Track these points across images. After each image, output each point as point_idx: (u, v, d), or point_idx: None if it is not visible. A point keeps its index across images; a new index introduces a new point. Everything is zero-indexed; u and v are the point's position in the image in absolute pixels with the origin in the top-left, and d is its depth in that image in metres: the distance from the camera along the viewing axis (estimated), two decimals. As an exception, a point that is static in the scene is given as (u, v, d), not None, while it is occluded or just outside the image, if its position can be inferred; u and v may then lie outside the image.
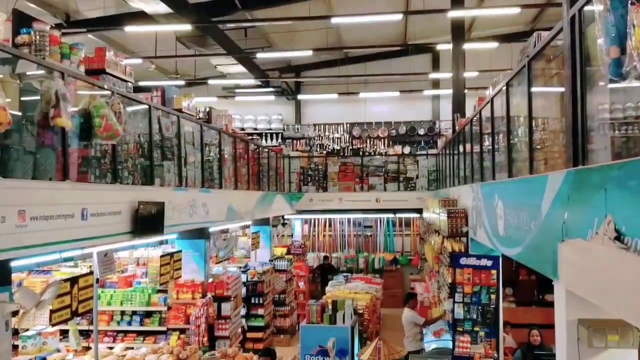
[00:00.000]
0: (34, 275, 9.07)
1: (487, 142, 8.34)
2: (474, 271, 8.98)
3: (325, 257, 19.11)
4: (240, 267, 13.57)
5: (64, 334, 9.12)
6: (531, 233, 5.19)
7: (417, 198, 17.50)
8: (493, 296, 8.85)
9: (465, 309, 8.95)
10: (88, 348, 8.70)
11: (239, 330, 11.75)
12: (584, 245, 3.75)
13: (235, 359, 8.21)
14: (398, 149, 20.50)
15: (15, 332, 8.03)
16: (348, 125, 21.63)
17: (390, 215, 19.49)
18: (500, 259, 8.97)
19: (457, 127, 12.83)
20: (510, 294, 11.69)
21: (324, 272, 17.88)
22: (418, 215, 18.63)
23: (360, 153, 20.26)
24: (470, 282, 8.97)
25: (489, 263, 8.90)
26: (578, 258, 3.85)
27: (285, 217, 18.95)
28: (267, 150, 16.22)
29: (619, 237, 3.16)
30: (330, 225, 20.49)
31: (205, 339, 9.79)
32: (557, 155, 5.28)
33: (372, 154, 20.49)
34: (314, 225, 20.58)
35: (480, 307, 8.90)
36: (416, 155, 18.98)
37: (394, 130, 21.24)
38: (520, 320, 10.50)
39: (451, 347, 9.26)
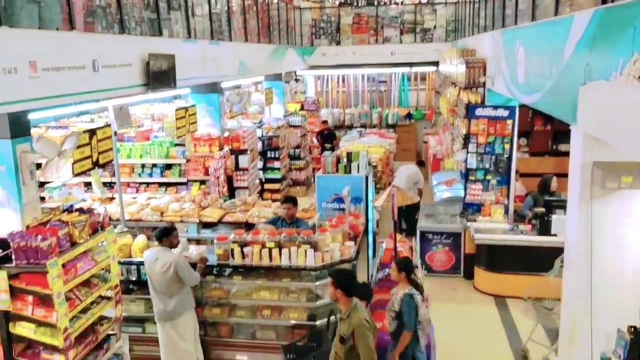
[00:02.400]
0: (52, 130, 9.22)
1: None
2: (489, 122, 8.98)
3: (324, 122, 16.82)
4: (255, 123, 13.67)
5: (88, 185, 9.49)
6: (552, 78, 5.08)
7: (434, 50, 17.00)
8: (507, 146, 8.94)
9: (479, 158, 9.10)
10: (112, 198, 9.09)
11: (257, 181, 12.15)
12: (606, 86, 3.67)
13: (254, 206, 8.54)
14: (415, -3, 19.50)
15: (41, 185, 8.35)
16: (362, -28, 20.40)
17: (406, 69, 19.08)
18: (517, 109, 8.91)
19: (479, -29, 12.05)
20: (524, 145, 11.77)
21: (323, 139, 15.64)
22: (434, 68, 18.23)
23: (375, 3, 19.29)
24: (484, 132, 9.02)
25: (505, 113, 8.86)
26: (599, 100, 3.79)
27: (298, 73, 18.63)
28: (277, 0, 15.52)
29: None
30: (343, 81, 20.20)
31: (225, 189, 10.16)
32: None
33: (388, 3, 19.51)
34: (327, 81, 20.30)
35: (493, 157, 9.03)
36: (434, 4, 18.06)
37: (411, -23, 20.05)
38: (532, 170, 10.66)
39: (462, 195, 9.55)
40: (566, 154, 4.88)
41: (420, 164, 12.00)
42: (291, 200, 7.19)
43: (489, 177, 9.15)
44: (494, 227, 8.65)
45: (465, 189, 9.38)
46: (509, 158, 8.99)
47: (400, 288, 5.35)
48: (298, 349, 5.82)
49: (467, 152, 9.23)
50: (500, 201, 9.06)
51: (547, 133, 11.74)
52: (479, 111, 9.04)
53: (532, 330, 6.65)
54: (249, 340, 6.48)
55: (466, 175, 9.38)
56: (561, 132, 11.25)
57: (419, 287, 5.49)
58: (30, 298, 4.45)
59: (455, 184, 11.11)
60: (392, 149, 15.58)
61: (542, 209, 8.23)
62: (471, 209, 9.19)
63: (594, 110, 3.87)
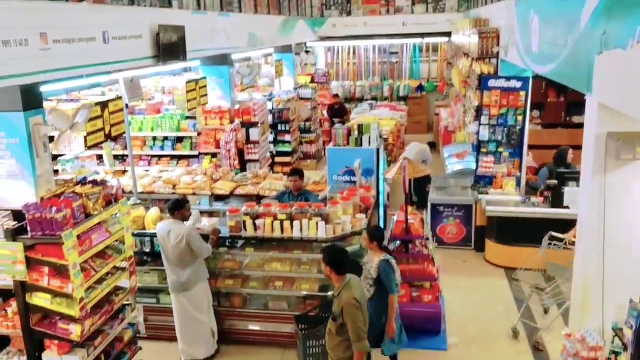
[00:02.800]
0: (63, 103, 9.23)
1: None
2: (501, 93, 8.87)
3: (335, 95, 16.75)
4: (265, 95, 13.61)
5: (100, 158, 9.55)
6: (567, 48, 4.98)
7: (447, 20, 16.74)
8: (520, 117, 8.85)
9: (491, 130, 9.02)
10: (124, 171, 9.15)
11: (268, 154, 12.15)
12: (623, 55, 3.60)
13: (265, 179, 8.56)
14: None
15: (54, 157, 8.41)
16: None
17: (417, 40, 18.81)
18: (530, 80, 8.79)
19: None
20: (536, 116, 11.64)
21: (333, 114, 15.43)
22: (446, 39, 17.96)
23: (387, -28, 18.97)
24: (497, 104, 8.92)
25: (518, 84, 8.75)
26: (615, 69, 3.72)
27: (308, 44, 18.45)
28: (287, -30, 15.30)
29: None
30: (354, 53, 19.98)
31: (236, 161, 10.18)
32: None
33: (399, -27, 19.17)
34: (338, 53, 20.09)
35: (505, 129, 8.95)
36: (446, -27, 17.72)
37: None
38: (545, 142, 10.57)
39: (474, 167, 9.50)
40: (579, 125, 4.84)
41: (432, 145, 11.90)
42: (297, 173, 7.20)
43: (500, 149, 9.08)
44: (506, 200, 8.62)
45: (477, 161, 9.33)
46: (522, 130, 8.90)
47: (374, 255, 5.45)
48: (310, 319, 5.90)
49: (479, 124, 9.15)
50: (512, 173, 9.00)
51: (560, 104, 11.60)
52: (491, 82, 8.92)
53: (521, 309, 6.63)
54: (262, 311, 6.57)
55: (478, 147, 9.31)
56: (575, 104, 11.11)
57: (391, 254, 5.62)
58: (45, 269, 4.51)
59: (467, 156, 11.04)
60: (403, 121, 15.48)
61: (554, 181, 8.17)
62: (482, 181, 9.15)
63: (610, 80, 3.81)
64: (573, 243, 6.39)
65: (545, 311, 6.94)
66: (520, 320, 6.64)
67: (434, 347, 6.45)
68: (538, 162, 10.38)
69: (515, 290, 6.71)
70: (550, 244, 6.50)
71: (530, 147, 9.89)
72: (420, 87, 19.12)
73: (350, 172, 7.65)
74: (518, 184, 8.95)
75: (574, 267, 4.77)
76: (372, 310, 5.17)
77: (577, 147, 5.10)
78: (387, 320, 5.36)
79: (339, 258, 4.61)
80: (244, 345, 6.56)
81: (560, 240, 6.48)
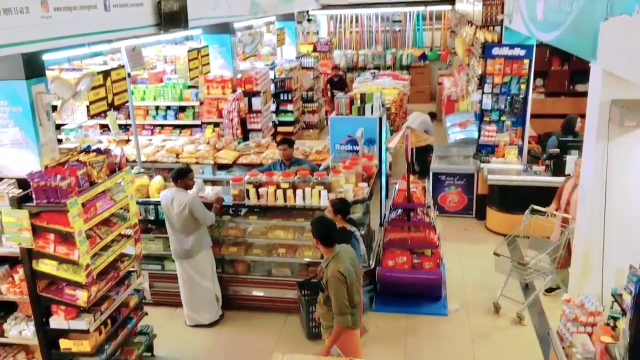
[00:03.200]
0: (66, 72, 9.17)
1: None
2: (505, 61, 8.78)
3: (335, 67, 16.46)
4: (267, 65, 13.49)
5: (104, 128, 9.54)
6: (572, 14, 4.91)
7: (450, -13, 16.47)
8: (523, 86, 8.77)
9: (494, 99, 8.95)
10: (128, 140, 9.14)
11: (270, 124, 12.11)
12: (628, 21, 3.54)
13: (268, 148, 8.55)
14: None
15: (58, 127, 8.39)
16: None
17: (421, 8, 18.56)
18: (534, 48, 8.68)
19: None
20: (540, 85, 11.54)
21: (333, 87, 15.04)
22: (450, 7, 17.71)
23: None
24: (501, 72, 8.84)
25: (522, 52, 8.65)
26: (621, 36, 3.67)
27: (310, 12, 18.21)
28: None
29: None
30: (357, 21, 19.72)
31: (239, 131, 10.16)
32: None
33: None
34: (340, 22, 19.83)
35: (509, 98, 8.88)
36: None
37: None
38: (548, 111, 10.51)
39: (477, 136, 9.46)
40: (583, 94, 4.79)
41: (432, 116, 11.79)
42: (286, 142, 7.21)
43: (503, 118, 9.03)
44: (508, 168, 8.62)
45: (480, 130, 9.28)
46: (525, 99, 8.83)
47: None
48: (313, 285, 5.96)
49: (483, 93, 9.08)
50: (515, 142, 8.97)
51: (564, 73, 11.48)
52: (495, 50, 8.82)
53: (503, 286, 6.54)
54: (265, 277, 6.64)
55: (481, 116, 9.25)
56: (579, 72, 10.99)
57: (356, 225, 5.65)
58: (51, 236, 4.54)
59: (470, 125, 10.99)
60: (406, 90, 15.36)
61: (557, 150, 8.15)
62: (485, 150, 9.13)
63: (615, 47, 3.76)
64: (555, 216, 6.45)
65: (527, 286, 6.93)
66: (502, 296, 6.55)
67: (435, 312, 6.53)
68: (540, 132, 10.34)
69: (499, 264, 6.56)
70: (532, 215, 6.51)
71: (533, 116, 9.82)
72: (423, 56, 18.93)
73: (353, 142, 7.64)
74: (520, 152, 8.92)
75: (575, 232, 4.80)
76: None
77: (582, 116, 5.06)
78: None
79: (326, 231, 4.51)
80: (248, 311, 6.65)
81: (542, 213, 6.49)
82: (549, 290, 6.77)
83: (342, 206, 5.59)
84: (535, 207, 6.52)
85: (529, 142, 9.25)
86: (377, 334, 6.14)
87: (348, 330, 4.47)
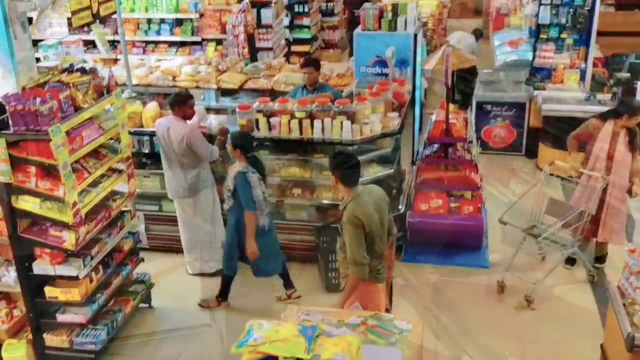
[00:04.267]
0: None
1: None
2: (569, -35, 8.52)
3: None
4: (279, -31, 13.18)
5: (88, 44, 9.51)
6: None
7: None
8: (589, -4, 8.54)
9: (553, 12, 8.78)
10: (116, 60, 9.12)
11: (283, 41, 11.96)
12: None
13: (281, 70, 8.49)
14: None
15: (34, 43, 8.38)
16: None
17: None
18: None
19: None
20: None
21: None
22: None
23: None
24: (563, -21, 8.58)
25: (591, -46, 8.35)
26: None
27: None
28: None
29: None
30: None
31: (246, 50, 10.06)
32: None
33: None
34: None
35: (571, 10, 8.67)
36: None
37: None
38: (618, 28, 10.25)
39: (530, 58, 9.30)
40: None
41: (478, 34, 11.43)
42: (312, 63, 7.11)
43: (564, 35, 8.85)
44: (566, 96, 8.51)
45: (535, 49, 9.14)
46: (591, 11, 8.60)
47: (237, 165, 5.61)
48: (332, 231, 6.02)
49: (540, 5, 8.87)
50: (576, 65, 8.81)
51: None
52: (557, -49, 8.55)
53: (509, 262, 6.25)
54: (278, 221, 6.72)
55: (537, 33, 9.10)
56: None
57: (258, 164, 5.72)
58: (33, 169, 4.61)
59: (522, 44, 10.83)
60: (447, 2, 15.06)
61: (627, 74, 8.00)
62: (540, 74, 9.02)
63: None
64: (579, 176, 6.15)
65: (543, 259, 6.70)
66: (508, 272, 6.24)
67: (474, 264, 6.62)
68: (607, 53, 10.10)
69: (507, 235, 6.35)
70: (550, 173, 6.30)
71: (600, 33, 9.56)
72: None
73: (382, 63, 7.57)
74: (582, 77, 8.77)
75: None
76: (232, 223, 5.69)
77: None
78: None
79: (345, 169, 4.44)
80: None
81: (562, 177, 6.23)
82: (571, 261, 6.51)
83: (241, 139, 5.69)
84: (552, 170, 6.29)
85: (594, 65, 9.08)
86: (404, 287, 6.25)
87: (366, 282, 4.48)
